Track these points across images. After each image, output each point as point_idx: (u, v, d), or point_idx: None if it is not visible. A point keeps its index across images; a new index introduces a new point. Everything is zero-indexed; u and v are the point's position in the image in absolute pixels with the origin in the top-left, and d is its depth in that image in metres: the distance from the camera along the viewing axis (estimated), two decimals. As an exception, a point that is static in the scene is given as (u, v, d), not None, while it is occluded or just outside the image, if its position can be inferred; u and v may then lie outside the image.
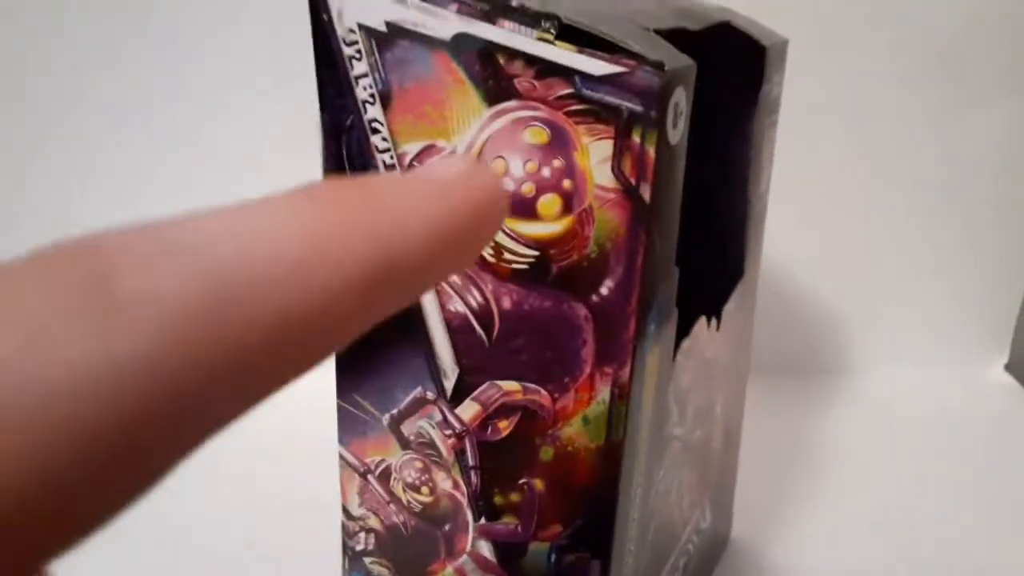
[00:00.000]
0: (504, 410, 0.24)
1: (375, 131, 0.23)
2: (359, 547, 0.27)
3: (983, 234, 0.58)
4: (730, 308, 0.33)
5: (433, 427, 0.25)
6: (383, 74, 0.22)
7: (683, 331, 0.27)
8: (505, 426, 0.24)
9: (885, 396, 0.57)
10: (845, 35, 0.53)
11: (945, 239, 0.58)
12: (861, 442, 0.52)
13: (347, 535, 0.27)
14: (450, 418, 0.24)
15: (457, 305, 0.23)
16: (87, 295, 0.08)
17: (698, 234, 0.27)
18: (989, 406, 0.57)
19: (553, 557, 0.25)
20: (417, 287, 0.11)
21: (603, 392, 0.23)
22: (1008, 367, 0.60)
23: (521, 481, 0.24)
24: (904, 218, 0.58)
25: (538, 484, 0.24)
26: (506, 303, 0.23)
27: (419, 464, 0.25)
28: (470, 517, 0.25)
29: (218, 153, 0.54)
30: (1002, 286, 0.60)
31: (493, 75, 0.22)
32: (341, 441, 0.26)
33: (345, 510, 0.27)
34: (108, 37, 0.52)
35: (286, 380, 0.09)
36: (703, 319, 0.30)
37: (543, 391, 0.23)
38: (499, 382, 0.24)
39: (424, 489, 0.25)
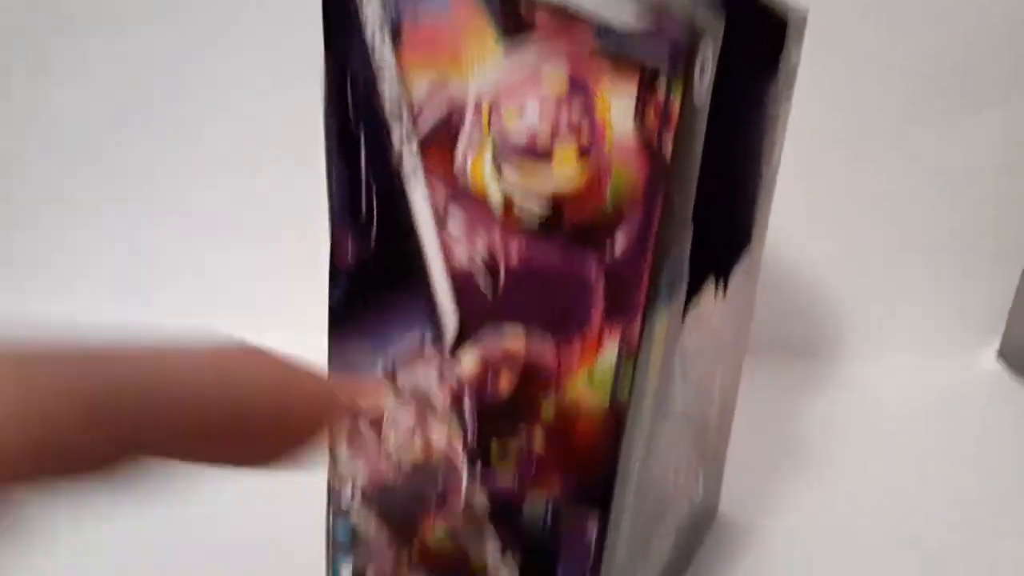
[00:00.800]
0: (506, 363, 0.23)
1: (384, 71, 0.22)
2: (345, 501, 0.26)
3: (979, 220, 0.58)
4: (736, 278, 0.32)
5: (430, 376, 0.24)
6: (395, 8, 0.21)
7: (691, 293, 0.27)
8: (506, 380, 0.23)
9: (876, 380, 0.57)
10: (854, 24, 0.52)
11: (941, 224, 0.58)
12: (850, 425, 0.52)
13: (333, 488, 0.27)
14: (449, 368, 0.23)
15: (462, 256, 0.22)
16: None
17: (709, 200, 0.26)
18: (979, 392, 0.57)
19: (549, 516, 0.24)
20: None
21: (610, 350, 0.22)
22: (1000, 354, 0.60)
23: (520, 437, 0.24)
24: (900, 203, 0.57)
25: (537, 441, 0.24)
26: (514, 256, 0.22)
27: (413, 415, 0.24)
28: (464, 472, 0.25)
29: (218, 153, 0.54)
30: (997, 273, 0.59)
31: (514, 16, 0.21)
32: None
33: (332, 461, 0.26)
34: (108, 36, 0.51)
35: None
36: (711, 285, 0.29)
37: (548, 346, 0.23)
38: (502, 335, 0.23)
39: (417, 441, 0.25)
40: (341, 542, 0.27)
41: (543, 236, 0.22)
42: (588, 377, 0.23)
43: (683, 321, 0.26)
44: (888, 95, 0.54)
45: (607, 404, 0.23)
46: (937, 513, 0.44)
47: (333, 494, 0.27)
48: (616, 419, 0.23)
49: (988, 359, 0.60)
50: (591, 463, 0.23)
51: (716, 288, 0.30)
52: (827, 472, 0.47)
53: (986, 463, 0.49)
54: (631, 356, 0.22)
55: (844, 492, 0.45)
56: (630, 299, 0.22)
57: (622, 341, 0.22)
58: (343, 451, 0.26)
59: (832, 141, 0.55)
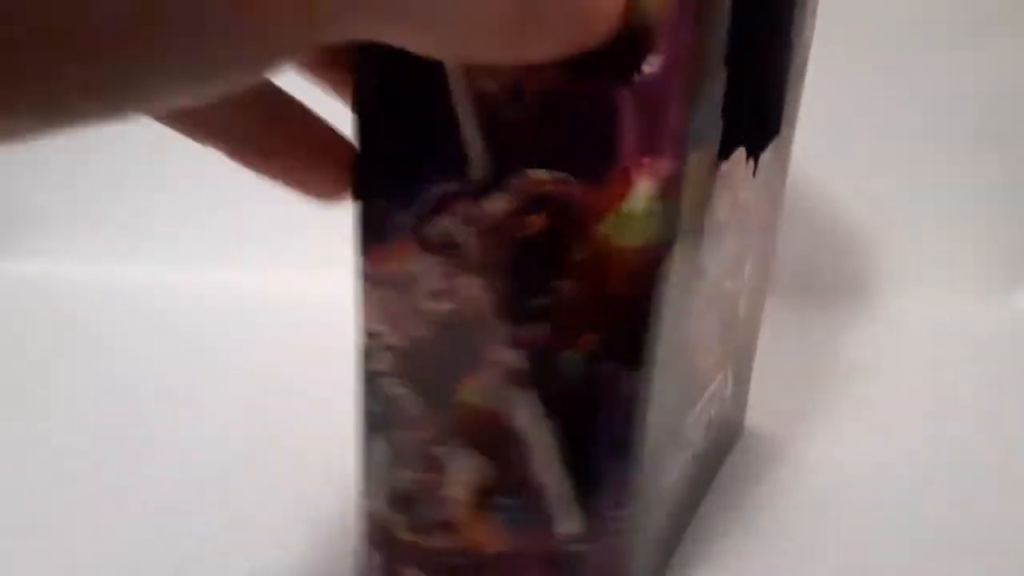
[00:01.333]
0: (535, 203, 0.23)
1: None
2: (377, 367, 0.26)
3: (1019, 155, 0.56)
4: (766, 160, 0.32)
5: (459, 225, 0.23)
6: None
7: (723, 153, 0.26)
8: (536, 221, 0.23)
9: (908, 317, 0.56)
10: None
11: (980, 159, 0.56)
12: (881, 358, 0.51)
13: (363, 356, 0.26)
14: (477, 213, 0.23)
15: (487, 83, 0.22)
16: None
17: (739, 74, 0.26)
18: (1013, 330, 0.55)
19: (585, 367, 0.24)
20: None
21: (641, 187, 0.22)
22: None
23: (552, 284, 0.23)
24: (937, 137, 0.56)
25: (570, 287, 0.23)
26: (539, 79, 0.21)
27: (443, 269, 0.24)
28: (497, 325, 0.24)
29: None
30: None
31: None
32: (359, 250, 0.25)
33: (362, 328, 0.26)
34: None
35: None
36: (742, 152, 0.28)
37: (576, 182, 0.22)
38: (530, 171, 0.22)
39: (448, 296, 0.24)
40: (375, 414, 0.27)
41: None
42: (618, 216, 0.22)
43: (715, 176, 0.25)
44: (924, 14, 0.53)
45: (638, 244, 0.22)
46: (973, 445, 0.43)
47: (365, 364, 0.26)
48: (648, 260, 0.22)
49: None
50: (624, 308, 0.23)
51: (747, 161, 0.29)
52: (856, 399, 0.46)
53: (1019, 393, 0.48)
54: (662, 195, 0.22)
55: (875, 418, 0.44)
56: (660, 129, 0.21)
57: (653, 178, 0.22)
58: (374, 318, 0.26)
59: (867, 72, 0.54)
